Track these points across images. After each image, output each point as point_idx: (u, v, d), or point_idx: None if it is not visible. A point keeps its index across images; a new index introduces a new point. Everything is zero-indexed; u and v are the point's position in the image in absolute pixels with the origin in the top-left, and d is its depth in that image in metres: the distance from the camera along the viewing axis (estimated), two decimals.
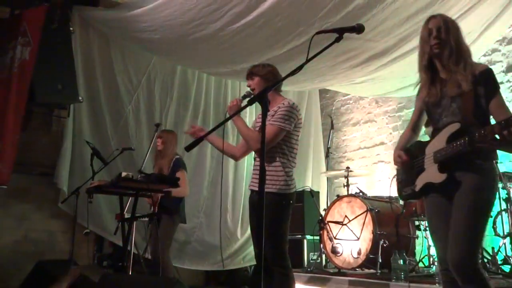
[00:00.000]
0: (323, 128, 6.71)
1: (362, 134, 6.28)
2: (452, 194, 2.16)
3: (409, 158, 2.37)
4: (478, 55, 4.91)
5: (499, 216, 3.94)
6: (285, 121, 2.84)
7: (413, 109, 5.90)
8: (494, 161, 2.21)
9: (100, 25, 5.09)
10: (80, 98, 4.78)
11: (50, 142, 5.21)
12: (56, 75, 4.51)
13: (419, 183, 2.30)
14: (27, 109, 4.59)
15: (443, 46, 2.22)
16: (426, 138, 2.45)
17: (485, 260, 3.63)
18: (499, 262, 3.77)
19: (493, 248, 3.88)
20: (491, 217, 3.95)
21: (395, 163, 2.46)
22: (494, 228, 3.96)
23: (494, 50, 4.95)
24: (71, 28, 4.72)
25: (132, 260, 4.10)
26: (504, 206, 3.84)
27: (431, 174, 2.23)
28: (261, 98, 2.05)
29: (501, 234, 3.87)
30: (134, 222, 3.66)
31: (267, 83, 2.86)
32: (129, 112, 5.40)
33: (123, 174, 3.13)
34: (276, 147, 2.88)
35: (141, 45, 5.07)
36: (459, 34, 2.27)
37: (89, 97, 5.15)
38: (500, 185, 3.86)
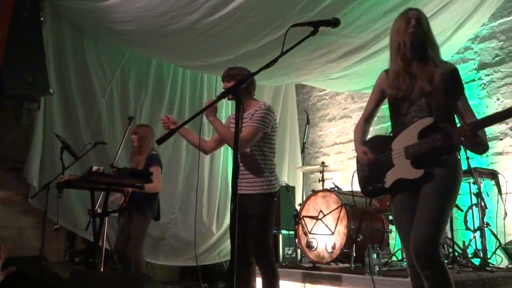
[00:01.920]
0: (299, 123, 6.73)
1: (338, 130, 6.33)
2: (420, 188, 2.17)
3: (374, 154, 2.34)
4: (451, 52, 4.99)
5: (470, 211, 4.01)
6: (263, 123, 2.95)
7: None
8: (457, 154, 2.23)
9: (73, 15, 4.99)
10: (51, 90, 4.66)
11: (20, 135, 5.13)
12: (26, 67, 4.40)
13: (389, 179, 2.27)
14: None
15: (419, 37, 2.21)
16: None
17: (456, 254, 3.69)
18: (470, 256, 3.85)
19: (463, 242, 3.95)
20: (462, 211, 4.02)
21: (361, 159, 2.41)
22: (465, 222, 4.03)
23: (466, 48, 5.03)
24: (42, 18, 4.60)
25: (106, 256, 4.03)
26: (474, 200, 3.91)
27: (404, 170, 2.21)
28: (235, 92, 2.02)
29: (472, 228, 3.94)
30: (106, 218, 3.58)
31: (244, 88, 2.92)
32: (103, 105, 5.32)
33: (94, 168, 3.07)
34: (257, 150, 3.00)
35: (114, 37, 4.98)
36: (431, 31, 2.30)
37: (61, 89, 5.05)
38: (471, 180, 3.93)
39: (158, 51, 5.17)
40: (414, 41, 2.21)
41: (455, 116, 2.25)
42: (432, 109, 2.17)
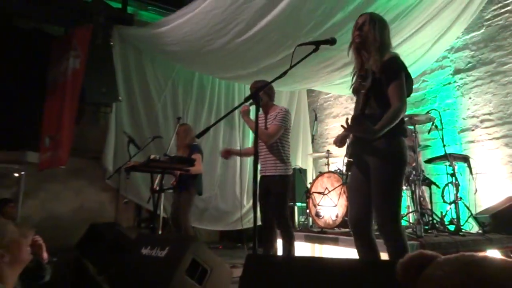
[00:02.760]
0: (310, 120, 6.67)
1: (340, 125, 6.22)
2: (363, 170, 2.02)
3: (340, 142, 2.26)
4: (431, 61, 4.82)
5: (446, 188, 3.90)
6: (285, 122, 3.04)
7: None
8: (394, 139, 1.96)
9: (134, 40, 5.07)
10: (120, 98, 4.80)
11: (99, 132, 5.26)
12: (101, 80, 4.53)
13: (347, 161, 2.20)
14: (80, 108, 4.61)
15: (364, 37, 2.00)
16: None
17: (435, 221, 3.60)
18: (446, 223, 3.75)
19: (441, 212, 3.85)
20: (439, 187, 3.92)
21: (334, 142, 2.34)
22: (443, 197, 3.92)
23: (444, 57, 4.85)
24: (112, 43, 4.72)
25: (163, 223, 4.09)
26: (449, 179, 3.80)
27: (349, 153, 2.14)
28: (255, 96, 2.05)
29: (448, 201, 3.83)
30: (163, 193, 3.66)
31: (267, 94, 3.08)
32: (159, 108, 5.40)
33: (152, 156, 3.12)
34: (278, 142, 3.05)
35: (166, 56, 5.03)
36: (384, 30, 2.02)
37: (127, 97, 5.16)
38: (447, 163, 3.82)
39: (199, 66, 5.20)
40: (359, 42, 2.03)
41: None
42: (364, 101, 1.93)
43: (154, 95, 5.35)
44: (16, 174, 4.72)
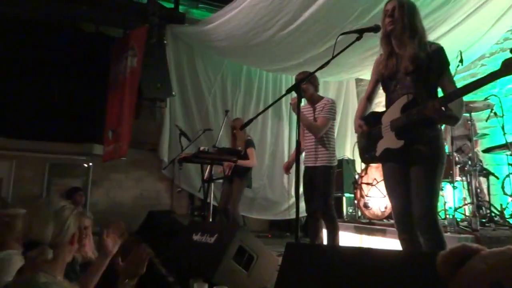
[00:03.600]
0: None
1: None
2: (407, 160, 1.91)
3: (368, 127, 2.09)
4: (491, 43, 4.41)
5: (507, 179, 3.59)
6: (333, 113, 3.02)
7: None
8: (439, 129, 1.92)
9: (186, 38, 5.21)
10: (173, 93, 4.97)
11: (155, 125, 5.48)
12: (156, 77, 4.71)
13: (379, 148, 2.04)
14: (137, 103, 4.85)
15: (396, 24, 1.93)
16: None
17: (493, 215, 3.34)
18: (507, 216, 3.46)
19: (501, 205, 3.57)
20: (498, 178, 3.62)
21: (356, 131, 2.19)
22: (503, 188, 3.62)
23: (505, 39, 4.41)
24: (165, 41, 4.89)
25: (213, 211, 4.20)
26: (511, 170, 3.49)
27: (389, 140, 1.98)
28: (296, 88, 2.03)
29: (509, 193, 3.53)
30: (212, 183, 3.75)
31: (313, 85, 3.03)
32: (209, 101, 5.51)
33: (201, 148, 3.21)
34: (323, 134, 3.02)
35: (215, 51, 5.12)
36: (414, 15, 1.94)
37: (180, 92, 5.32)
38: (508, 152, 3.51)
39: (246, 59, 5.23)
40: (392, 29, 1.94)
41: (438, 90, 1.94)
42: (415, 86, 1.88)
43: (205, 89, 5.48)
44: (85, 165, 5.14)
